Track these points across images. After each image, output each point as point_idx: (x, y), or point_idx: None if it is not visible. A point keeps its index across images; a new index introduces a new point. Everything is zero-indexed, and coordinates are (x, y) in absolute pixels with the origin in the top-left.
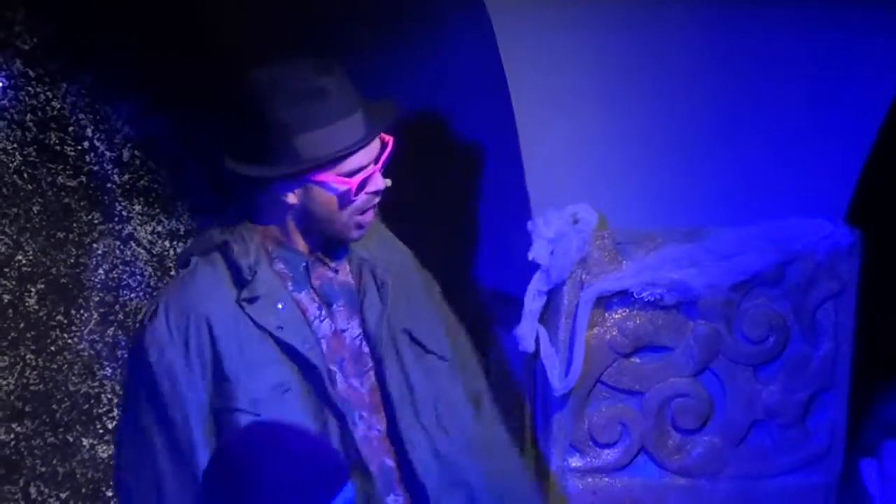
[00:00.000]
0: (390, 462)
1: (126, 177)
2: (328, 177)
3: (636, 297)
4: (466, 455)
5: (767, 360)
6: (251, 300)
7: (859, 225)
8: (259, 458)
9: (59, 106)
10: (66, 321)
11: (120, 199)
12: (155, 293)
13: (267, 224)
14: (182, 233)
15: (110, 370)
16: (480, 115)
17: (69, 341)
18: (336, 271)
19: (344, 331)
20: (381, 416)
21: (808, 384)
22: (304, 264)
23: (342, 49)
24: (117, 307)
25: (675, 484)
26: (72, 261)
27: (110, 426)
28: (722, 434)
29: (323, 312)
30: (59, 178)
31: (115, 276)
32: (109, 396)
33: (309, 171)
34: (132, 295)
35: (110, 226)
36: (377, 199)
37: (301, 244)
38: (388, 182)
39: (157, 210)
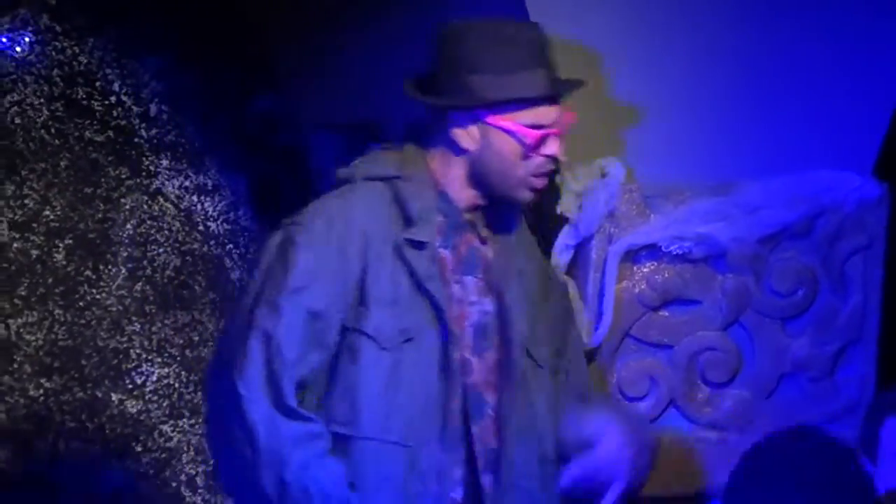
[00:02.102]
0: (493, 444)
1: (153, 131)
2: (508, 123)
3: (664, 250)
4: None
5: (796, 314)
6: (414, 243)
7: (887, 178)
8: None
9: (85, 61)
10: (94, 276)
11: (147, 153)
12: (182, 248)
13: (437, 168)
14: (209, 188)
15: (139, 325)
16: None
17: (97, 297)
18: (484, 242)
19: (473, 302)
20: (494, 396)
21: (836, 337)
22: (459, 221)
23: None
24: (145, 262)
25: (704, 437)
26: (99, 216)
27: (139, 381)
28: (751, 387)
29: (459, 278)
30: (87, 133)
31: (143, 231)
32: (138, 352)
33: (482, 107)
34: (160, 250)
35: (138, 181)
36: (551, 167)
37: (464, 200)
38: (564, 158)
39: (185, 165)
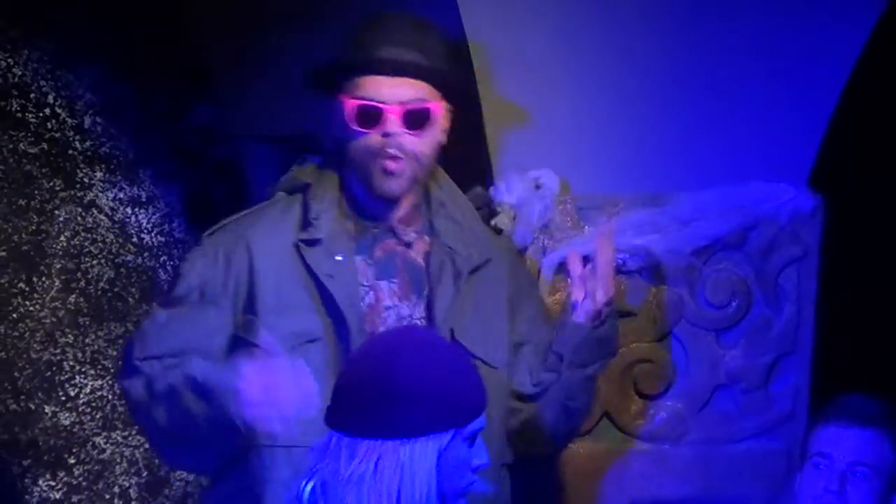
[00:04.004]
0: None
1: (87, 143)
2: (344, 97)
3: None
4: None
5: (730, 325)
6: (310, 242)
7: (822, 189)
8: (411, 359)
9: (20, 73)
10: (27, 289)
11: (82, 165)
12: (116, 260)
13: (352, 173)
14: (144, 199)
15: (72, 337)
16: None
17: (31, 308)
18: (409, 245)
19: (388, 308)
20: None
21: (770, 349)
22: (374, 229)
23: (306, 14)
24: (79, 274)
25: (638, 449)
26: (33, 228)
27: (72, 393)
28: (685, 399)
29: (372, 283)
30: (21, 144)
31: (77, 242)
32: (71, 364)
33: (344, 83)
34: (94, 262)
35: (72, 192)
36: (391, 150)
37: (378, 206)
38: (418, 144)
39: (119, 177)
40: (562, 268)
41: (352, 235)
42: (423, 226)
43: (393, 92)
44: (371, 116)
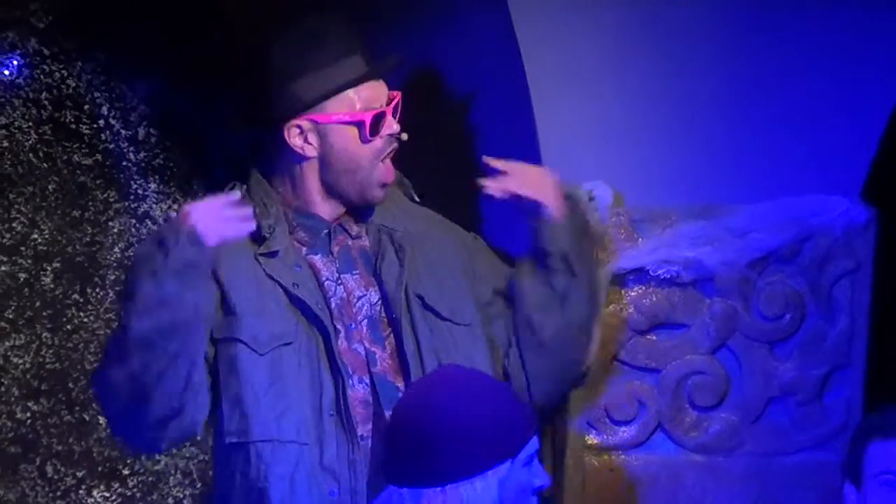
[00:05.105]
0: None
1: (142, 155)
2: (340, 115)
3: (652, 274)
4: None
5: (784, 337)
6: (269, 255)
7: (875, 202)
8: (455, 402)
9: (74, 84)
10: (81, 300)
11: (136, 177)
12: None
13: (288, 189)
14: None
15: None
16: (496, 93)
17: (85, 320)
18: (357, 237)
19: (360, 297)
20: (401, 378)
21: (824, 361)
22: (326, 231)
23: (360, 27)
24: None
25: (692, 461)
26: (87, 239)
27: None
28: (738, 411)
29: (337, 278)
30: (75, 156)
31: (131, 254)
32: None
33: (311, 111)
34: None
35: (126, 204)
36: (395, 146)
37: (324, 210)
38: (405, 136)
39: (173, 188)
40: (616, 280)
41: (305, 242)
42: (360, 216)
43: (384, 95)
44: (377, 124)
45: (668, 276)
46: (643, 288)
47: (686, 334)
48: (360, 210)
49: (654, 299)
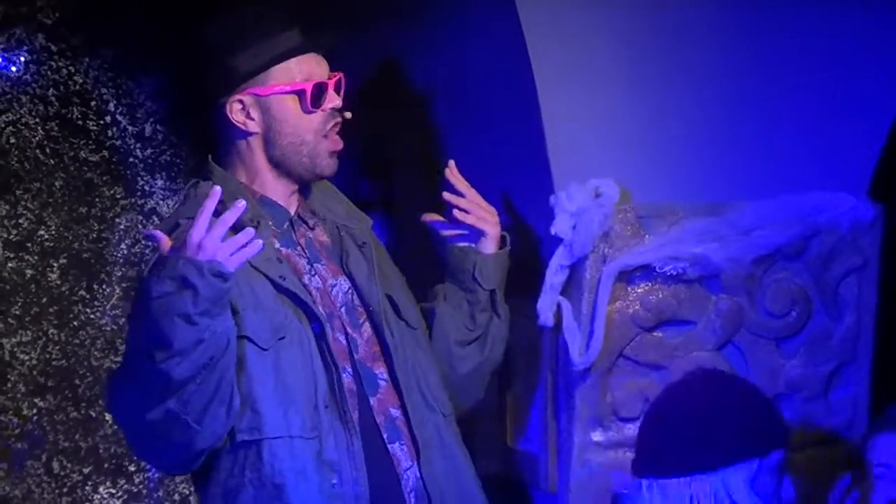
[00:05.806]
0: (396, 411)
1: (148, 151)
2: (282, 86)
3: (658, 271)
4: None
5: (790, 334)
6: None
7: (881, 198)
8: (713, 401)
9: (81, 80)
10: (88, 296)
11: (142, 173)
12: None
13: (242, 173)
14: None
15: None
16: (503, 90)
17: (91, 316)
18: (313, 229)
19: (333, 286)
20: (383, 365)
21: (830, 358)
22: (287, 221)
23: (367, 26)
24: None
25: None
26: (94, 236)
27: None
28: None
29: (310, 269)
30: (82, 152)
31: (138, 250)
32: None
33: (252, 83)
34: None
35: (132, 200)
36: (338, 120)
37: (278, 192)
38: (349, 114)
39: (180, 184)
40: (622, 276)
41: (275, 235)
42: (310, 211)
43: (324, 69)
44: (319, 96)
45: (675, 273)
46: (649, 285)
47: (692, 331)
48: (307, 190)
49: (661, 296)
